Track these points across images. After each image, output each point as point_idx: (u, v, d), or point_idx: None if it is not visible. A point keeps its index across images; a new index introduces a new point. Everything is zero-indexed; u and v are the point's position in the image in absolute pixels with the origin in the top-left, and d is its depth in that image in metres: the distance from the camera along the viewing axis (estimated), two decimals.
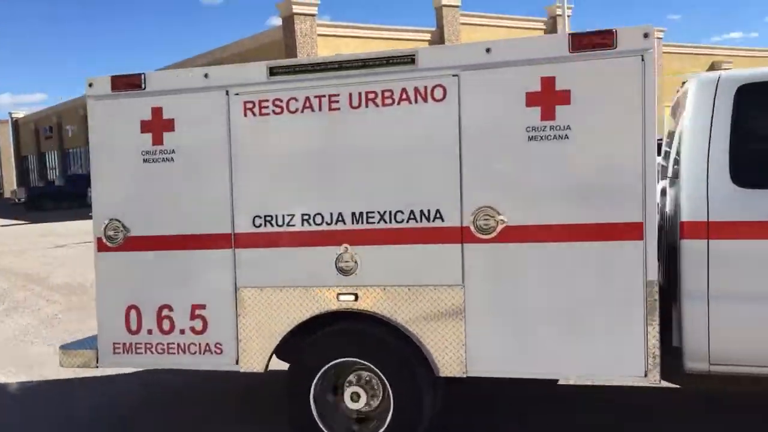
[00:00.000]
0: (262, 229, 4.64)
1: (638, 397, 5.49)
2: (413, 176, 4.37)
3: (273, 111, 4.58)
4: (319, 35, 29.07)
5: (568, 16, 27.72)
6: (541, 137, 4.14)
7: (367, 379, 4.61)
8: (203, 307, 4.79)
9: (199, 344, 4.81)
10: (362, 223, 4.46)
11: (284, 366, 4.89)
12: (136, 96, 4.85)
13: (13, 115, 69.97)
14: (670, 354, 4.23)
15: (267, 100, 4.59)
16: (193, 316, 4.81)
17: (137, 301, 4.91)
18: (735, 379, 4.27)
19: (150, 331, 4.90)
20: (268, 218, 4.63)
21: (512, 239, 4.22)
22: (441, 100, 4.29)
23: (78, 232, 21.60)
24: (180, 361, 4.87)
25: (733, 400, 5.29)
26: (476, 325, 4.31)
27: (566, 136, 4.10)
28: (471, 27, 31.56)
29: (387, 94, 4.38)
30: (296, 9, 28.57)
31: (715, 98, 4.20)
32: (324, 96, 4.49)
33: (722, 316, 4.07)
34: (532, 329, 4.23)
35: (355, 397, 4.60)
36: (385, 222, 4.42)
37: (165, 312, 4.86)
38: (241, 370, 4.75)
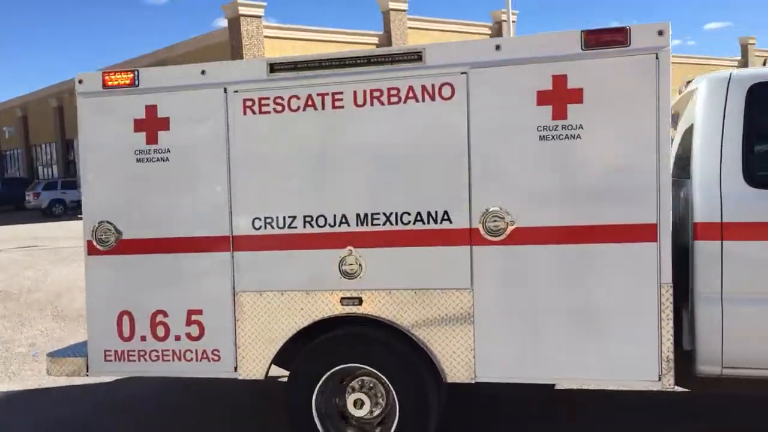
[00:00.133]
0: (262, 232, 4.49)
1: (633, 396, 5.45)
2: (420, 176, 4.25)
3: (274, 109, 4.43)
4: (266, 37, 28.99)
5: (513, 21, 28.27)
6: (553, 137, 4.04)
7: (371, 385, 4.48)
8: (200, 312, 4.62)
9: (196, 351, 4.64)
10: (367, 224, 4.33)
11: (281, 371, 4.76)
12: (128, 93, 4.66)
13: None
14: (680, 357, 4.16)
15: (267, 98, 4.44)
16: (189, 322, 4.63)
17: (130, 306, 4.73)
18: (747, 382, 4.21)
19: (143, 338, 4.71)
20: (269, 220, 4.47)
21: (522, 241, 4.12)
22: (449, 98, 4.17)
23: (15, 237, 21.09)
24: (175, 368, 4.69)
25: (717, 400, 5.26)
26: (486, 329, 4.20)
27: (578, 136, 4.01)
28: (418, 31, 31.76)
29: (393, 92, 4.25)
30: (242, 10, 28.42)
31: (726, 98, 4.14)
32: (327, 94, 4.35)
33: (736, 319, 4.01)
34: (543, 333, 4.13)
35: (359, 403, 4.48)
36: (391, 224, 4.29)
37: (159, 318, 4.68)
38: (240, 378, 4.59)
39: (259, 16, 29.03)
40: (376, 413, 4.51)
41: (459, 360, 4.25)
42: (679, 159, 4.67)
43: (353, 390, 4.50)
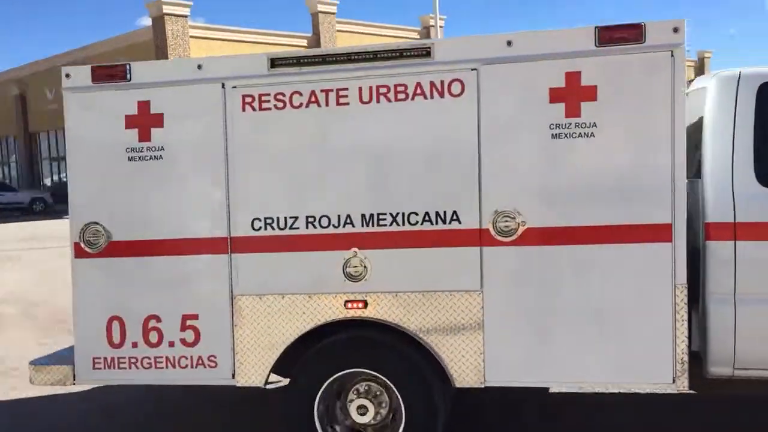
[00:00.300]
0: (262, 233, 4.32)
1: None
2: (428, 175, 4.12)
3: (275, 106, 4.27)
4: (192, 37, 28.69)
5: (441, 27, 28.63)
6: (566, 135, 3.95)
7: (377, 392, 4.34)
8: (195, 317, 4.43)
9: (191, 357, 4.45)
10: (373, 225, 4.19)
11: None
12: (120, 88, 4.45)
13: None
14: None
15: (268, 94, 4.27)
16: (184, 327, 4.44)
17: (121, 311, 4.51)
18: (758, 383, 4.18)
19: (135, 344, 4.50)
20: (269, 221, 4.31)
21: (534, 242, 4.03)
22: (459, 95, 4.06)
23: None
24: (169, 376, 4.49)
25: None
26: (496, 332, 4.10)
27: (592, 134, 3.93)
28: (347, 34, 31.83)
29: (400, 88, 4.13)
30: (167, 9, 28.06)
31: (737, 96, 4.11)
32: (331, 90, 4.20)
33: (750, 319, 3.98)
34: (555, 336, 4.04)
35: (362, 410, 4.34)
36: (398, 224, 4.16)
37: (152, 323, 4.48)
38: (238, 385, 4.41)
39: (185, 16, 28.62)
40: (378, 420, 4.37)
41: (468, 364, 4.14)
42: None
43: (357, 395, 4.35)
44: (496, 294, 4.09)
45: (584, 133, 3.93)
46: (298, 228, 4.27)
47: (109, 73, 4.47)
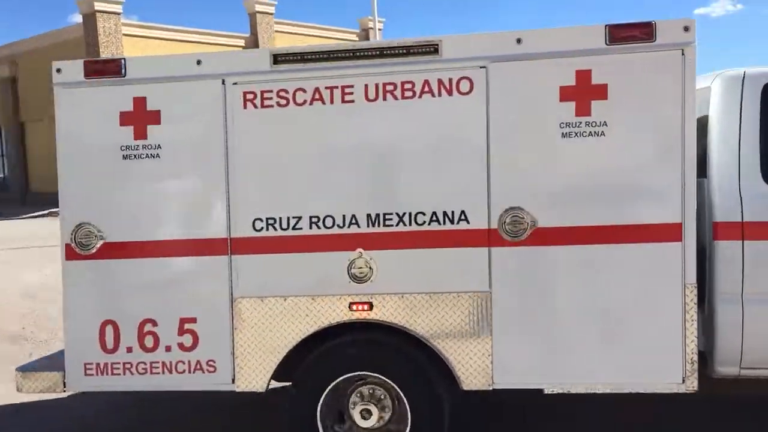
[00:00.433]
0: (263, 234, 4.20)
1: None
2: (436, 175, 4.05)
3: (277, 103, 4.16)
4: (125, 35, 27.86)
5: (380, 29, 28.73)
6: (576, 134, 3.92)
7: (381, 396, 4.26)
8: (193, 320, 4.29)
9: (189, 362, 4.31)
10: (379, 225, 4.10)
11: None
12: (114, 84, 4.30)
13: None
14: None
15: (270, 91, 4.16)
16: (181, 331, 4.30)
17: (115, 315, 4.36)
18: (765, 383, 4.19)
19: (129, 349, 4.35)
20: (271, 221, 4.19)
21: (543, 242, 3.98)
22: (467, 93, 4.00)
23: None
24: (165, 381, 4.35)
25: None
26: (504, 334, 4.04)
27: (602, 133, 3.90)
28: (285, 35, 31.60)
29: (407, 86, 4.05)
30: (98, 6, 27.15)
31: (742, 96, 4.11)
32: (336, 87, 4.10)
33: (757, 319, 3.98)
34: (565, 337, 4.01)
35: (366, 414, 4.25)
36: (405, 224, 4.08)
37: (148, 327, 4.33)
38: (238, 390, 4.29)
39: (118, 13, 27.73)
40: (381, 424, 4.29)
41: (476, 366, 4.08)
42: None
43: (361, 398, 4.26)
44: (504, 295, 4.03)
45: (595, 132, 3.90)
46: (301, 228, 4.16)
47: (103, 68, 4.31)
